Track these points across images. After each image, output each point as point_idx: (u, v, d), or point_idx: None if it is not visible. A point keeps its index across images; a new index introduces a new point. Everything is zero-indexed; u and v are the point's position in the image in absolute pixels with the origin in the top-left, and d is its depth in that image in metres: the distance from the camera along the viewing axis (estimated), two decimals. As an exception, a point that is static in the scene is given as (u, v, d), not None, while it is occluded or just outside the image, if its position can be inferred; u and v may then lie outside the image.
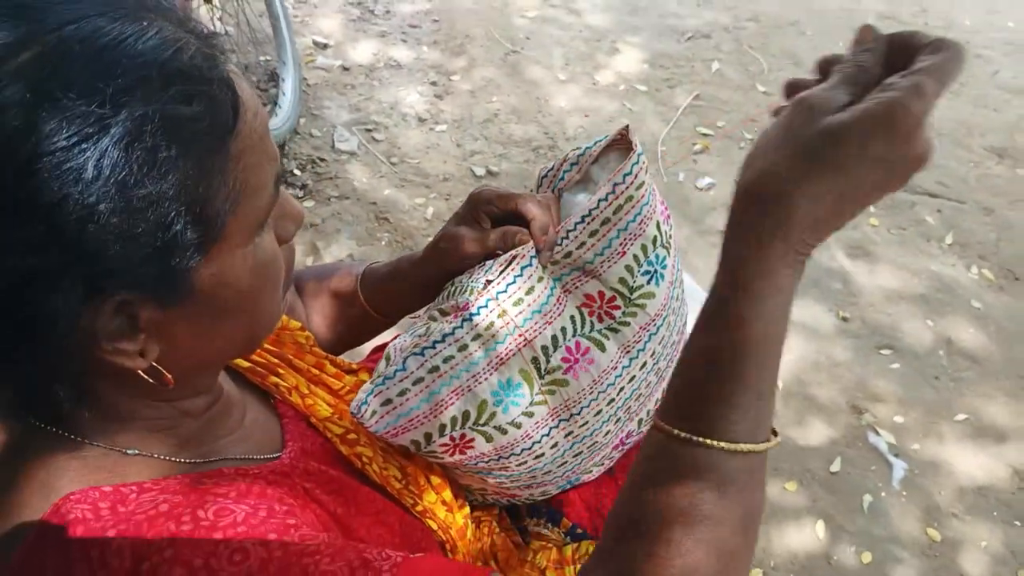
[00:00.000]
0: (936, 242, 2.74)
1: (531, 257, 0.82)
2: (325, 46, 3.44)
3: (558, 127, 3.10)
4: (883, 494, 1.92)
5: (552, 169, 0.90)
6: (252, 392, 0.75)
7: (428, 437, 0.82)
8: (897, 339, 2.34)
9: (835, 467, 1.97)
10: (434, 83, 3.29)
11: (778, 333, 0.54)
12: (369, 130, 2.98)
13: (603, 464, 0.98)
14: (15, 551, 0.50)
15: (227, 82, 0.50)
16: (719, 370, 0.53)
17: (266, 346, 0.79)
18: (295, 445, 0.70)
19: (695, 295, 1.84)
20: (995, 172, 3.14)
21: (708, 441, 0.52)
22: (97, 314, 0.48)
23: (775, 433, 0.56)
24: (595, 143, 0.86)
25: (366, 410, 0.79)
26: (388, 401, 0.80)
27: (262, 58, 3.10)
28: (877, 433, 2.06)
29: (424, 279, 0.88)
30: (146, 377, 0.53)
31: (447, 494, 0.86)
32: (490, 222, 0.85)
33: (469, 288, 0.81)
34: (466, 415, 0.80)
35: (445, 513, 0.83)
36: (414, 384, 0.79)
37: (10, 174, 0.41)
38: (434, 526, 0.79)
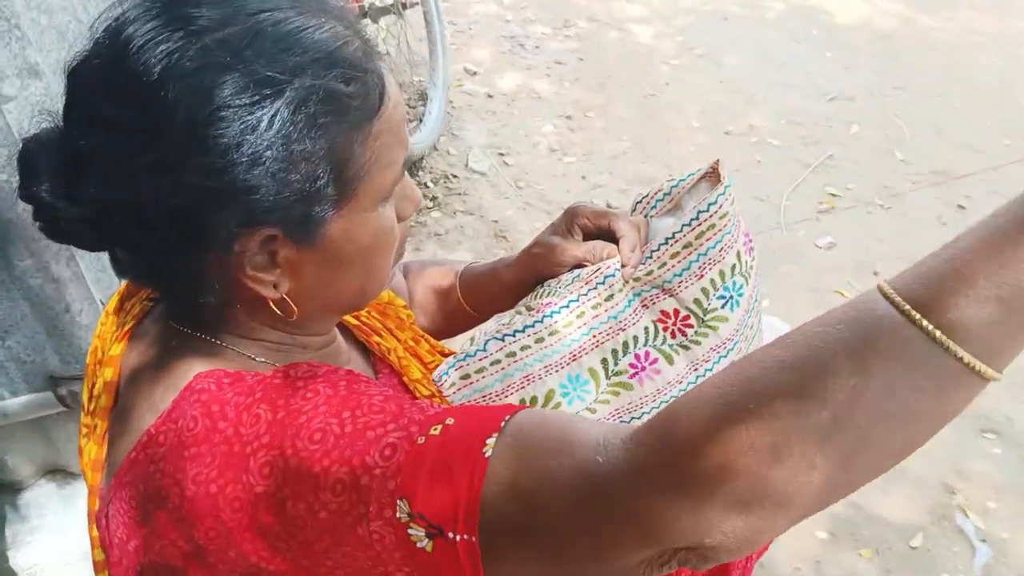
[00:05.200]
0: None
1: (615, 269, 0.90)
2: (475, 73, 3.67)
3: (683, 170, 3.16)
4: (962, 577, 1.87)
5: (646, 196, 0.98)
6: (356, 347, 0.87)
7: None
8: (1004, 425, 2.25)
9: (916, 542, 1.92)
10: (569, 117, 3.44)
11: None
12: (502, 154, 3.16)
13: None
14: (155, 420, 0.63)
15: (379, 74, 0.63)
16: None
17: (373, 313, 0.92)
18: None
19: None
20: None
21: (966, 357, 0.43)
22: (248, 242, 0.60)
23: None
24: (688, 176, 0.94)
25: (446, 380, 0.90)
26: (466, 376, 0.90)
27: (416, 78, 3.35)
28: (966, 515, 1.99)
29: (516, 281, 0.98)
30: (274, 307, 0.66)
31: None
32: (582, 235, 0.94)
33: (555, 291, 0.91)
34: (534, 400, 0.89)
35: None
36: (491, 364, 0.89)
37: (203, 116, 0.54)
38: None
